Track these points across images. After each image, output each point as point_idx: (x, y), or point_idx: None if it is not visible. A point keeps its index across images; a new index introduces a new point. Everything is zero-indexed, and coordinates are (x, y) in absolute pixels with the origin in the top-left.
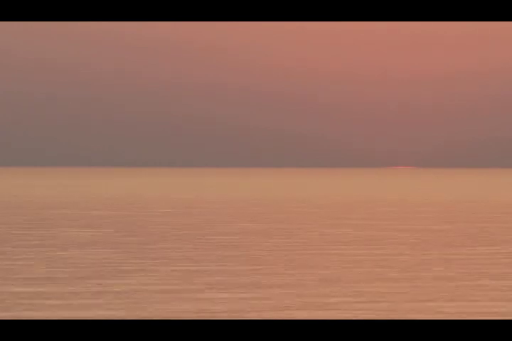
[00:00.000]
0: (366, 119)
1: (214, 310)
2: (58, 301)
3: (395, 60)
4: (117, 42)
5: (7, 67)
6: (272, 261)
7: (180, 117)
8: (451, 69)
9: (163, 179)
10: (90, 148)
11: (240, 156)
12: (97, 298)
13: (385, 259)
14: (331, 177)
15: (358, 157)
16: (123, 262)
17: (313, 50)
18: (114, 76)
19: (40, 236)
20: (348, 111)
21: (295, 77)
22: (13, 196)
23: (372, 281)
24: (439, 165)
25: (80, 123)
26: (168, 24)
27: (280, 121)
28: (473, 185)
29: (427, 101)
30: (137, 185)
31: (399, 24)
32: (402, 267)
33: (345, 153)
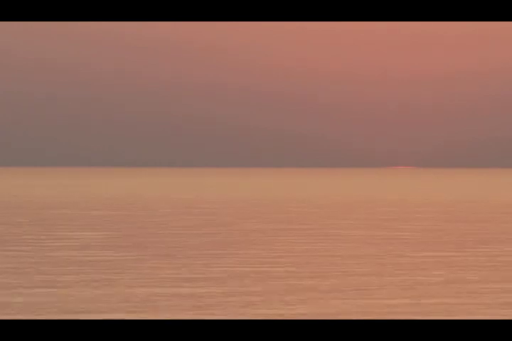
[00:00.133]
0: (366, 119)
1: (213, 310)
2: (58, 302)
3: (395, 60)
4: (117, 42)
5: (7, 67)
6: (281, 262)
7: (180, 117)
8: (451, 69)
9: (163, 179)
10: (90, 148)
11: (240, 156)
12: (97, 298)
13: (385, 259)
14: (331, 177)
15: (358, 157)
16: (123, 262)
17: (313, 50)
18: (114, 76)
19: (40, 236)
20: (348, 111)
21: (295, 77)
22: (13, 196)
23: (371, 281)
24: (439, 165)
25: (80, 123)
26: (168, 24)
27: (280, 121)
28: (473, 185)
29: (427, 101)
30: (137, 185)
31: (399, 24)
32: (402, 267)
33: (345, 153)
